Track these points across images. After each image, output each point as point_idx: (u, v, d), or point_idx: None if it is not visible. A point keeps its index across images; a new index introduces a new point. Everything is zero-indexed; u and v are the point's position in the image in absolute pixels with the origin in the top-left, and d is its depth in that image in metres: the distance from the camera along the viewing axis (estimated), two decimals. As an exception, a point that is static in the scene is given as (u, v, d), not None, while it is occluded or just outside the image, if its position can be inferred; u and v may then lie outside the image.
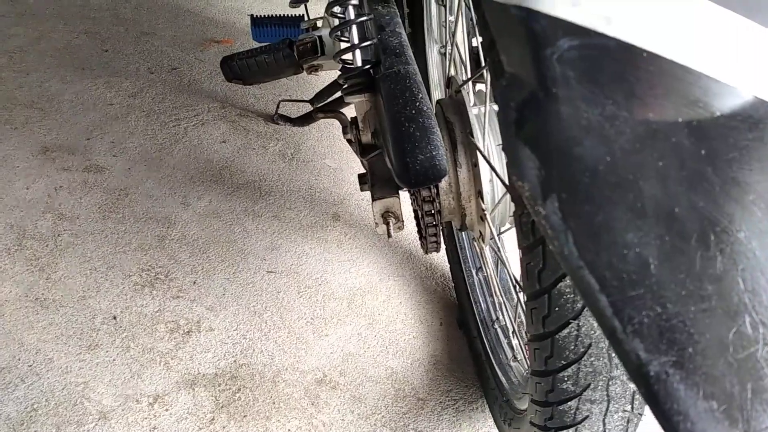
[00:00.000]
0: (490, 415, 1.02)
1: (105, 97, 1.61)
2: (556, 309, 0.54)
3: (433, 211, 0.86)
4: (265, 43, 1.22)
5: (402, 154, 0.73)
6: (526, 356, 0.95)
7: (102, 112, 1.56)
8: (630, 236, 0.32)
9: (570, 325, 0.54)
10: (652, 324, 0.31)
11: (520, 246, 0.55)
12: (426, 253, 0.94)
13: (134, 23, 1.99)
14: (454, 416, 1.04)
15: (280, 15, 1.58)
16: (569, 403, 0.59)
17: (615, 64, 0.33)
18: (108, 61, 1.77)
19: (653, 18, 0.33)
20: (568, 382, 0.57)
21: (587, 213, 0.33)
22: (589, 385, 0.57)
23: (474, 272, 1.16)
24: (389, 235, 0.84)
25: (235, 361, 1.05)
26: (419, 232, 0.92)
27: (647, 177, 0.33)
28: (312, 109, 1.42)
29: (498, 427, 0.97)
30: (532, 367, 0.62)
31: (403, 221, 0.88)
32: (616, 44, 0.33)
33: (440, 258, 1.30)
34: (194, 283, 1.16)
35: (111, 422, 0.95)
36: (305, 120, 1.62)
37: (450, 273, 1.26)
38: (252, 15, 1.57)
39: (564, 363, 0.56)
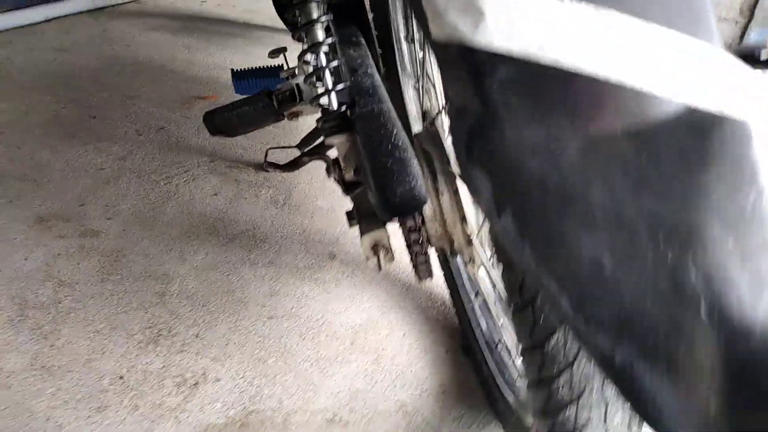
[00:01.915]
0: (502, 436, 1.03)
1: (95, 163, 1.65)
2: (542, 318, 0.55)
3: (420, 240, 0.89)
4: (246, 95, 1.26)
5: (381, 188, 0.75)
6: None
7: (93, 177, 1.59)
8: (583, 242, 0.34)
9: (557, 333, 0.56)
10: (612, 318, 0.33)
11: (499, 260, 0.57)
12: (420, 280, 0.96)
13: (118, 88, 2.04)
14: (466, 442, 1.04)
15: (259, 67, 1.62)
16: (568, 409, 0.60)
17: (552, 87, 0.36)
18: (96, 127, 1.81)
19: (583, 41, 0.36)
20: (564, 389, 0.59)
21: (540, 225, 0.35)
22: (585, 389, 0.58)
23: (473, 296, 1.17)
24: (380, 268, 0.86)
25: (244, 409, 1.05)
26: (411, 261, 0.94)
27: (594, 186, 0.35)
28: (299, 154, 1.46)
29: (510, 448, 0.98)
30: (528, 380, 0.63)
31: (393, 252, 0.90)
32: (552, 69, 0.36)
33: (440, 286, 1.31)
34: (197, 336, 1.18)
35: (125, 483, 0.95)
36: (294, 165, 1.65)
37: (450, 300, 1.27)
38: (233, 69, 1.61)
39: (557, 371, 0.58)
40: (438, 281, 1.30)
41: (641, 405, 0.34)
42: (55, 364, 1.10)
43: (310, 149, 1.25)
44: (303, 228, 1.49)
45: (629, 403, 0.34)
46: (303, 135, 1.46)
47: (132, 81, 2.12)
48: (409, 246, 0.91)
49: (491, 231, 0.37)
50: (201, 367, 1.12)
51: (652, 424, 0.34)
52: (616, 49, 0.36)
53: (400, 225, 0.92)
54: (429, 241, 0.93)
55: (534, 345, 0.58)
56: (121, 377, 1.09)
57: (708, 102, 0.36)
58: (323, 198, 1.59)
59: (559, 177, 0.35)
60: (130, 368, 1.11)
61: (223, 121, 1.14)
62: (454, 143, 0.40)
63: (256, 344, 1.17)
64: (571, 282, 0.34)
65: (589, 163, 0.35)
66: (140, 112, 1.93)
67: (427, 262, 0.92)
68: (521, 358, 0.62)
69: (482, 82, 0.37)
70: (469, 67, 0.38)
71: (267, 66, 1.59)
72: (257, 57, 2.37)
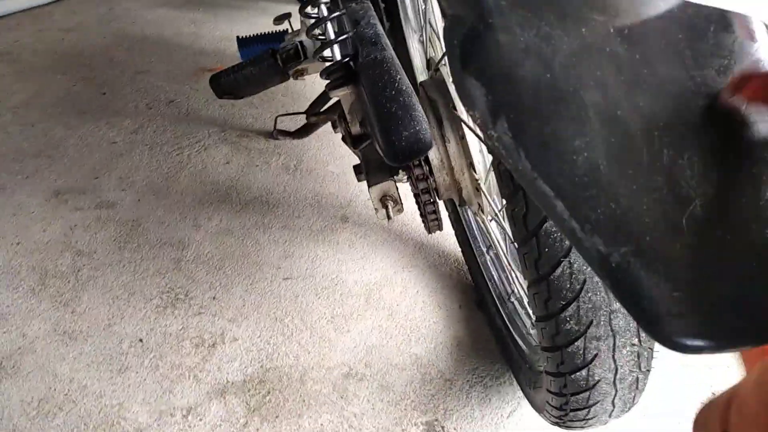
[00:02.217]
0: (518, 386, 1.03)
1: (108, 137, 1.66)
2: (546, 250, 0.55)
3: (428, 189, 0.88)
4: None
5: (387, 134, 0.75)
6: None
7: (107, 151, 1.61)
8: (577, 143, 0.34)
9: (562, 264, 0.55)
10: (608, 219, 0.33)
11: (502, 195, 0.57)
12: (429, 232, 0.96)
13: (128, 64, 2.05)
14: (482, 392, 1.05)
15: (265, 33, 1.62)
16: (576, 343, 0.60)
17: None
18: (107, 102, 1.82)
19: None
20: (571, 322, 0.59)
21: (535, 128, 0.35)
22: (592, 321, 0.58)
23: (485, 251, 1.17)
24: (389, 218, 0.86)
25: (261, 366, 1.07)
26: (420, 212, 0.94)
27: (587, 87, 0.34)
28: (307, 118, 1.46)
29: (525, 395, 0.98)
30: (535, 315, 0.63)
31: (401, 203, 0.90)
32: (543, -32, 0.35)
33: (452, 244, 1.31)
34: (214, 298, 1.19)
35: (149, 439, 0.98)
36: (304, 131, 1.65)
37: (462, 256, 1.27)
38: (238, 36, 1.61)
39: (563, 303, 0.58)
40: (450, 239, 1.30)
41: (639, 309, 0.33)
42: (76, 330, 1.13)
43: (319, 112, 1.24)
44: (315, 192, 1.49)
45: (626, 308, 0.34)
46: (311, 101, 1.45)
47: (140, 57, 2.12)
48: (417, 197, 0.91)
49: (487, 144, 0.36)
50: (218, 328, 1.13)
51: (649, 330, 0.34)
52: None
53: (408, 176, 0.91)
54: (438, 193, 0.92)
55: (540, 277, 0.58)
56: (140, 340, 1.11)
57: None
58: (334, 163, 1.59)
59: (552, 78, 0.35)
60: (149, 331, 1.13)
61: (229, 83, 1.14)
62: (449, 56, 0.39)
63: (272, 304, 1.18)
64: (567, 184, 0.34)
65: (582, 62, 0.35)
66: (150, 86, 1.93)
67: (436, 212, 0.92)
68: (529, 292, 0.62)
69: None
70: None
71: (272, 32, 1.59)
72: (263, 27, 2.34)
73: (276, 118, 1.71)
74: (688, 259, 0.33)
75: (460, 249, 1.26)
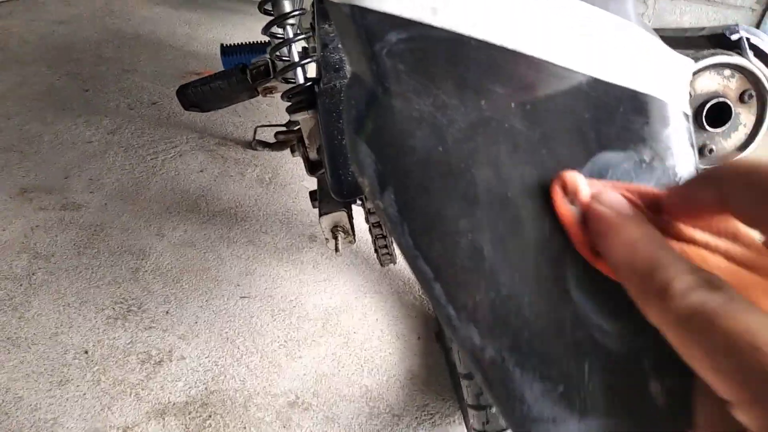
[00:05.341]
0: (466, 428, 1.00)
1: (84, 136, 1.64)
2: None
3: (380, 223, 0.86)
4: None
5: (335, 167, 0.73)
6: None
7: (81, 150, 1.58)
8: (463, 223, 0.31)
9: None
10: (485, 308, 0.31)
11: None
12: (381, 265, 0.94)
13: (116, 62, 2.03)
14: (430, 430, 1.02)
15: (248, 42, 1.60)
16: None
17: (444, 55, 0.33)
18: (89, 100, 1.80)
19: (481, 5, 0.33)
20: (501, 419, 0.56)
21: (421, 204, 0.32)
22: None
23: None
24: (337, 250, 0.84)
25: (206, 388, 1.04)
26: (373, 245, 0.92)
27: (479, 164, 0.32)
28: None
29: (471, 439, 0.95)
30: (468, 404, 0.61)
31: (353, 235, 0.88)
32: (445, 35, 0.33)
33: (417, 272, 1.28)
34: (167, 312, 1.16)
35: (81, 457, 0.94)
36: (283, 144, 1.63)
37: (427, 286, 1.24)
38: (222, 44, 1.59)
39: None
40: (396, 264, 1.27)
41: (508, 409, 0.31)
42: (21, 336, 1.10)
43: (287, 130, 1.22)
44: (286, 208, 1.47)
45: (497, 406, 0.31)
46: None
47: (130, 55, 2.10)
48: (370, 230, 0.88)
49: (375, 209, 0.34)
50: (167, 345, 1.10)
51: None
52: (517, 16, 0.33)
53: (362, 207, 0.89)
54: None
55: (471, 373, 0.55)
56: (86, 352, 1.08)
57: (615, 75, 0.33)
58: (310, 178, 1.56)
59: (444, 152, 0.32)
60: (96, 343, 1.10)
61: (196, 95, 1.12)
62: (345, 114, 0.37)
63: (225, 323, 1.15)
64: (447, 267, 0.32)
65: (477, 137, 0.32)
66: (135, 86, 1.91)
67: (388, 246, 0.89)
68: (462, 383, 0.60)
69: (372, 49, 0.34)
70: (359, 31, 0.35)
71: (256, 42, 1.57)
72: (257, 33, 2.34)
73: (256, 128, 1.69)
74: (568, 358, 0.30)
75: (424, 279, 1.23)
